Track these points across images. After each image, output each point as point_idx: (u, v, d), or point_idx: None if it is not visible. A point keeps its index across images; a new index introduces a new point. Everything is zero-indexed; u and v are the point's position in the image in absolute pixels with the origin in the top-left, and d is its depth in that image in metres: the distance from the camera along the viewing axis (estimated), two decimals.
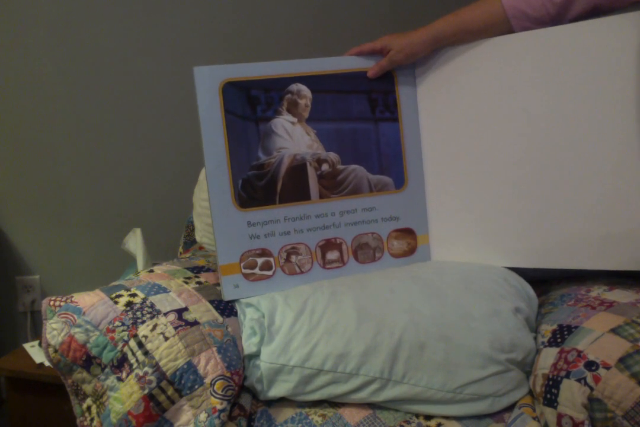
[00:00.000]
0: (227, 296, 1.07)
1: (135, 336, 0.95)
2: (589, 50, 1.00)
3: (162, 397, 0.91)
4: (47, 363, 1.53)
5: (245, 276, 1.09)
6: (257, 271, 1.09)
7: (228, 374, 0.93)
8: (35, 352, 1.60)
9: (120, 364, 0.94)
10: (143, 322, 0.96)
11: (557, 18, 1.05)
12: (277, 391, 0.96)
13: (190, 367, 0.92)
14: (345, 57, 1.13)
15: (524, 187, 1.09)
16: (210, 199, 1.06)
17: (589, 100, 1.01)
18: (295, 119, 1.10)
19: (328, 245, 1.13)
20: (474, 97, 1.11)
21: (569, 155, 1.04)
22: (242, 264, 1.08)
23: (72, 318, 0.96)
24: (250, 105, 1.08)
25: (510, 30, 1.08)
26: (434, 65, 1.13)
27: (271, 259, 1.10)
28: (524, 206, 1.09)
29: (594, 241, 1.04)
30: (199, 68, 1.05)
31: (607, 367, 0.83)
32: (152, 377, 0.91)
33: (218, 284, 1.10)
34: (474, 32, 1.09)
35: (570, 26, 1.02)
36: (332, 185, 1.12)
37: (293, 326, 0.99)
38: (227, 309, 1.04)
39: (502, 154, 1.10)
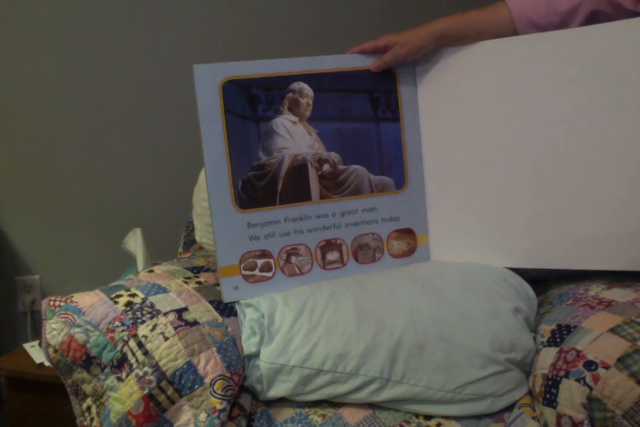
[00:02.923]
0: (227, 297, 1.07)
1: (135, 336, 0.95)
2: (592, 53, 1.00)
3: (162, 397, 0.91)
4: (47, 363, 1.53)
5: (245, 277, 1.09)
6: (257, 272, 1.09)
7: (228, 374, 0.93)
8: (35, 352, 1.60)
9: (120, 364, 0.94)
10: (143, 322, 0.96)
11: (560, 27, 1.07)
12: (277, 391, 0.96)
13: (190, 367, 0.92)
14: (347, 55, 1.12)
15: (524, 188, 1.09)
16: (210, 200, 1.06)
17: (592, 102, 1.01)
18: (296, 119, 1.10)
19: (328, 246, 1.13)
20: (474, 97, 1.11)
21: (569, 156, 1.04)
22: (242, 266, 1.08)
23: (72, 318, 0.96)
24: (250, 104, 1.07)
25: (515, 35, 1.09)
26: (434, 65, 1.13)
27: (271, 261, 1.10)
28: (524, 207, 1.09)
29: (595, 241, 1.04)
30: (199, 66, 1.03)
31: (606, 367, 0.83)
32: (152, 377, 0.91)
33: (218, 284, 1.10)
34: (479, 31, 1.09)
35: (575, 30, 1.02)
36: (333, 185, 1.12)
37: (293, 326, 0.99)
38: (226, 309, 1.04)
39: (503, 154, 1.10)
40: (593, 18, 1.06)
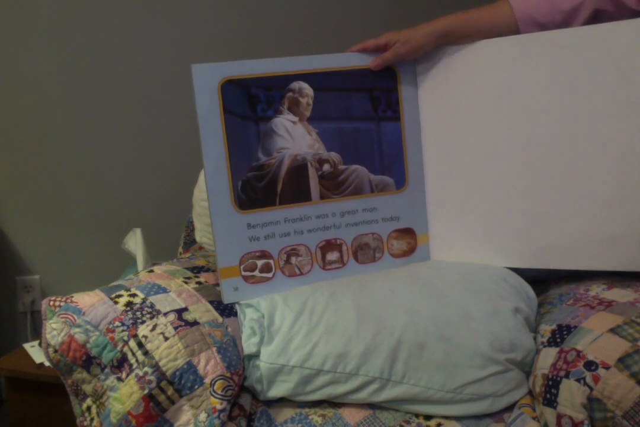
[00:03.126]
0: (227, 299, 1.06)
1: (135, 336, 0.95)
2: (593, 53, 1.00)
3: (162, 397, 0.91)
4: (47, 363, 1.53)
5: (245, 278, 1.08)
6: (256, 273, 1.09)
7: (228, 374, 0.93)
8: (35, 352, 1.60)
9: (120, 364, 0.94)
10: (143, 322, 0.96)
11: (563, 25, 1.06)
12: (277, 391, 0.96)
13: (190, 367, 0.92)
14: (347, 54, 1.10)
15: (524, 188, 1.09)
16: (209, 201, 1.05)
17: (592, 102, 1.01)
18: (296, 118, 1.09)
19: (328, 246, 1.13)
20: (475, 96, 1.11)
21: (570, 156, 1.04)
22: (241, 267, 1.08)
23: (72, 318, 0.96)
24: (250, 104, 1.06)
25: (517, 34, 1.08)
26: (436, 64, 1.13)
27: (271, 261, 1.10)
28: (524, 207, 1.09)
29: (595, 242, 1.04)
30: (197, 66, 1.02)
31: (607, 367, 0.83)
32: (152, 377, 0.91)
33: (218, 284, 1.10)
34: (481, 30, 1.09)
35: (576, 30, 1.02)
36: (333, 185, 1.12)
37: (292, 326, 0.99)
38: (227, 309, 1.04)
39: (503, 154, 1.10)
40: (596, 17, 1.05)
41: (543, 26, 1.07)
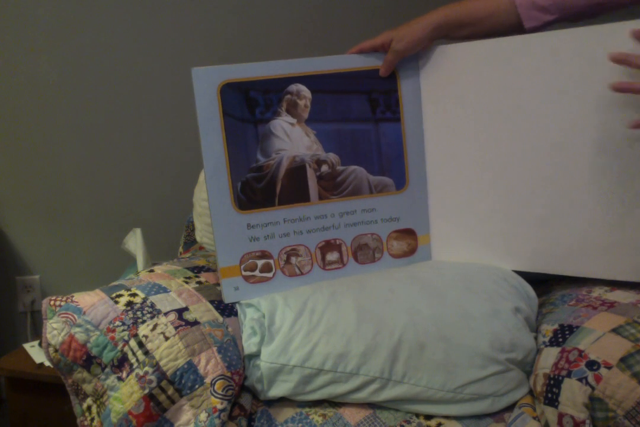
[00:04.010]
0: (227, 298, 1.07)
1: (135, 335, 0.95)
2: (596, 54, 0.99)
3: (162, 397, 0.91)
4: (47, 363, 1.53)
5: (245, 278, 1.09)
6: (257, 273, 1.09)
7: (228, 374, 0.93)
8: (35, 352, 1.60)
9: (121, 363, 0.94)
10: (143, 322, 0.96)
11: (565, 8, 1.04)
12: (277, 390, 0.96)
13: (191, 367, 0.92)
14: (345, 56, 1.11)
15: (527, 190, 1.08)
16: (209, 202, 1.05)
17: (596, 105, 1.00)
18: (294, 120, 1.10)
19: (328, 246, 1.13)
20: (478, 97, 1.10)
21: (574, 159, 1.03)
22: (242, 267, 1.08)
23: (73, 318, 0.96)
24: (248, 107, 1.06)
25: (517, 20, 1.07)
26: (438, 64, 1.12)
27: (271, 261, 1.10)
28: (527, 209, 1.09)
29: (598, 249, 1.03)
30: (197, 69, 1.03)
31: (609, 367, 0.83)
32: (153, 377, 0.91)
33: (218, 284, 1.10)
34: (477, 18, 1.07)
35: (577, 30, 1.01)
36: (332, 186, 1.12)
37: (293, 326, 0.99)
38: (227, 309, 1.05)
39: (506, 156, 1.09)
40: (600, 6, 1.03)
41: (544, 9, 1.05)
